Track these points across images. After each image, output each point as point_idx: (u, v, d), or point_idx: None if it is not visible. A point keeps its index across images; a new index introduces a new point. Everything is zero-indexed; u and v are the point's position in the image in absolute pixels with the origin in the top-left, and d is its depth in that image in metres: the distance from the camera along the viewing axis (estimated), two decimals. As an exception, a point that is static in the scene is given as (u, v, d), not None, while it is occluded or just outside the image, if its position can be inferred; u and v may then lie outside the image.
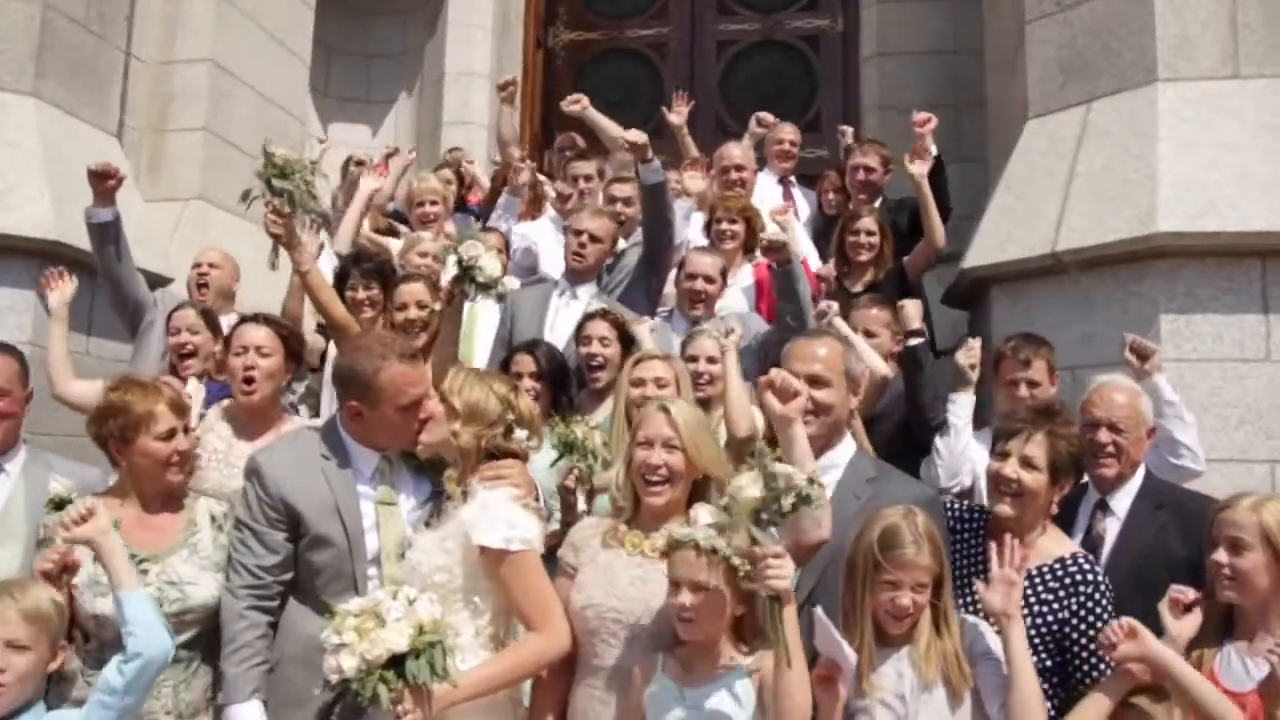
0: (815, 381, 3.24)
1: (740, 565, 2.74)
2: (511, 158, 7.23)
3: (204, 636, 3.19)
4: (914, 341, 4.32)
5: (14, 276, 5.03)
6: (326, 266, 6.03)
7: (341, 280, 4.90)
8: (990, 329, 4.98)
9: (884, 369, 4.33)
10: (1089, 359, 4.59)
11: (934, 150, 5.65)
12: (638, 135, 5.12)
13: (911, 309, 4.33)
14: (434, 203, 6.20)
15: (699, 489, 3.10)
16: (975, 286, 5.22)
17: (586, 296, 4.93)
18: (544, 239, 6.10)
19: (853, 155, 6.15)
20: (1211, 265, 4.41)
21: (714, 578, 2.74)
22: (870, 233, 5.45)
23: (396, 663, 2.78)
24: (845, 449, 3.29)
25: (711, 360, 4.37)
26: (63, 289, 4.49)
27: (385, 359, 3.17)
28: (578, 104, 6.31)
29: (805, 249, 5.87)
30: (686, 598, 2.75)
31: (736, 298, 5.38)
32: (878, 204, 5.97)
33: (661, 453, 3.04)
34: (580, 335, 4.46)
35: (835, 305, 4.44)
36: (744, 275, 5.49)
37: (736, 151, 6.15)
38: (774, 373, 3.04)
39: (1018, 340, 4.22)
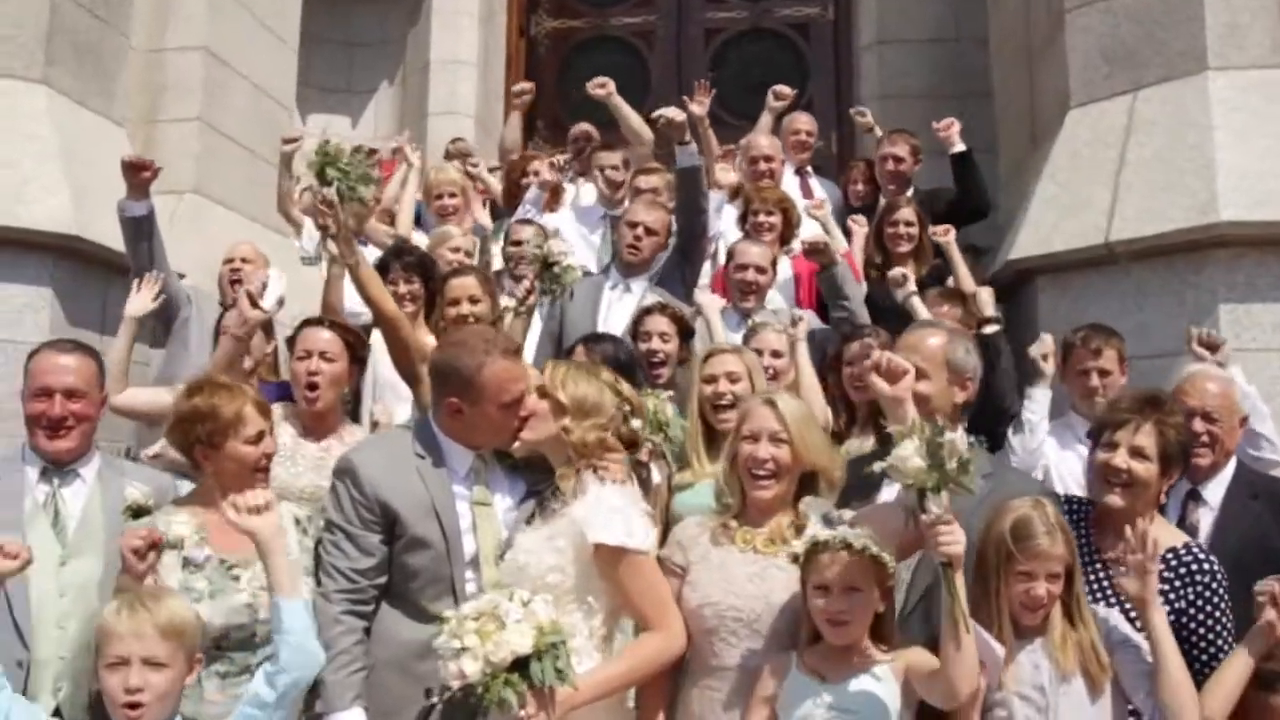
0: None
1: (889, 562, 2.77)
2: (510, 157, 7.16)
3: (296, 644, 3.14)
4: (990, 329, 4.35)
5: (32, 273, 4.90)
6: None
7: (381, 274, 4.83)
8: (1037, 321, 5.05)
9: None
10: (1143, 350, 4.66)
11: (961, 145, 5.72)
12: (676, 113, 5.14)
13: (985, 295, 4.37)
14: (452, 194, 6.15)
15: (805, 483, 3.13)
16: (1019, 278, 5.29)
17: (640, 290, 4.92)
18: (565, 229, 6.08)
19: (881, 145, 6.20)
20: (1271, 254, 4.52)
21: (864, 579, 2.77)
22: (909, 223, 5.51)
23: (519, 665, 2.77)
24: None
25: (776, 354, 4.40)
26: (144, 296, 4.36)
27: (488, 354, 3.15)
28: (604, 89, 6.26)
29: (843, 242, 5.90)
30: (839, 601, 2.77)
31: (773, 291, 5.40)
32: (909, 194, 6.02)
33: (768, 446, 3.07)
34: (639, 330, 4.46)
35: (911, 280, 4.43)
36: (782, 268, 5.51)
37: (764, 142, 6.18)
38: (878, 354, 3.06)
39: (1087, 330, 4.29)
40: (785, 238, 5.52)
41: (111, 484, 3.33)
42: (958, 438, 2.72)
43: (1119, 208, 4.87)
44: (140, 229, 4.48)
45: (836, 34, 9.73)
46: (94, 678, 3.08)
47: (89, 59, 5.46)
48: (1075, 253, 4.97)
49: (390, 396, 4.62)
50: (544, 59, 10.27)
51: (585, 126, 7.09)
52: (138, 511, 3.30)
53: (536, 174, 6.40)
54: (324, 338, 3.81)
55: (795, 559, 2.87)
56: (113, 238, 5.16)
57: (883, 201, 6.03)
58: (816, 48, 9.85)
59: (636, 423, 3.32)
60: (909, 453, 2.71)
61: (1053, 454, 4.24)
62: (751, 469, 3.08)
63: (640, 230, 4.92)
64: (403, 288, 4.77)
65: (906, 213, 5.53)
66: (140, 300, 4.36)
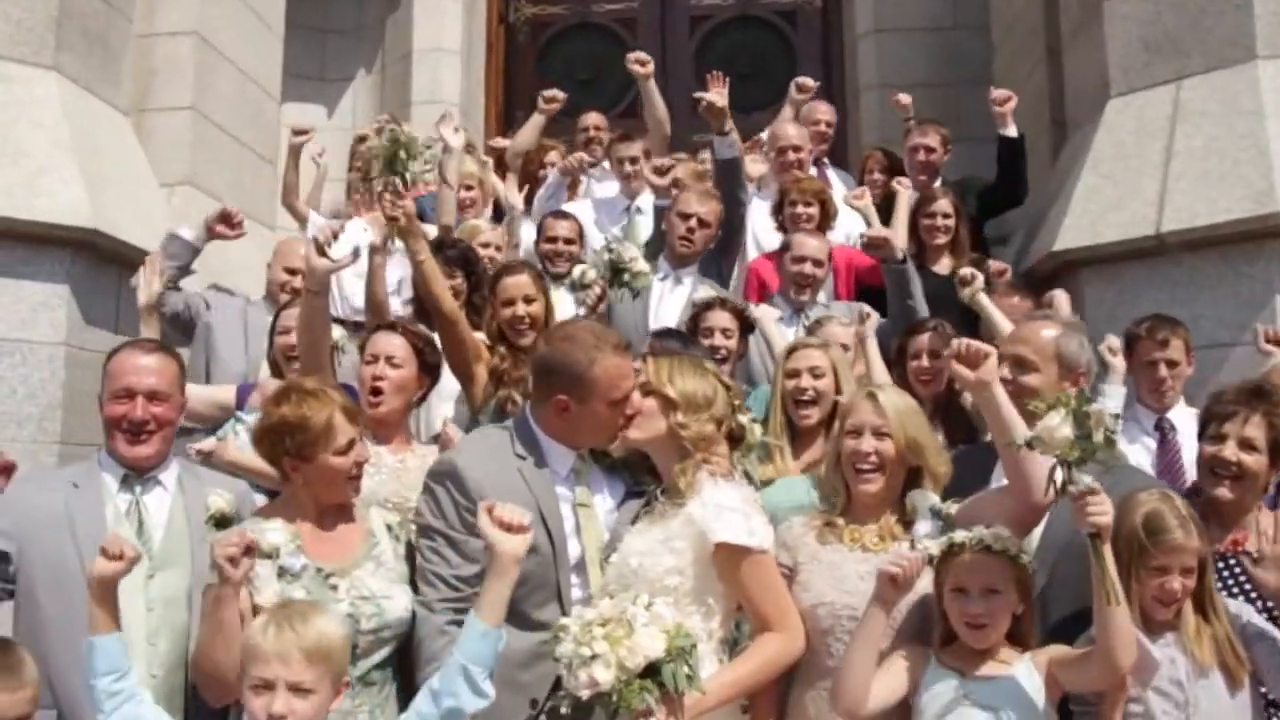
0: (1020, 364, 3.30)
1: (1028, 563, 2.79)
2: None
3: (395, 656, 3.08)
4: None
5: (47, 270, 4.75)
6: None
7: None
8: (1083, 313, 5.10)
9: None
10: (1196, 341, 4.70)
11: (1014, 130, 5.76)
12: (717, 98, 5.11)
13: (1062, 297, 4.42)
14: (469, 187, 6.06)
15: (910, 478, 3.14)
16: (1062, 269, 5.35)
17: (690, 282, 4.91)
18: (584, 219, 6.03)
19: (911, 135, 6.22)
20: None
21: (1002, 580, 2.79)
22: (946, 215, 5.55)
23: (650, 671, 2.76)
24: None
25: (843, 348, 4.39)
26: (150, 281, 4.28)
27: (599, 350, 3.11)
28: (645, 67, 6.21)
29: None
30: (978, 604, 2.79)
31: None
32: (938, 184, 6.06)
33: (871, 440, 3.09)
34: (701, 326, 4.43)
35: (980, 278, 4.45)
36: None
37: (793, 131, 6.17)
38: (957, 342, 3.08)
39: (1152, 321, 4.35)
40: (822, 229, 5.52)
41: (193, 491, 3.23)
42: (1104, 409, 2.73)
43: (1170, 198, 4.95)
44: (189, 252, 4.41)
45: (825, 22, 9.76)
46: (187, 695, 3.05)
47: (97, 45, 5.31)
48: (1125, 244, 5.04)
49: (434, 396, 4.56)
50: (523, 47, 10.21)
51: (594, 117, 7.04)
52: (221, 520, 3.22)
53: (554, 165, 6.35)
54: (393, 343, 3.74)
55: (931, 560, 2.88)
56: (128, 231, 5.04)
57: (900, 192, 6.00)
58: (804, 35, 9.89)
59: (744, 417, 3.31)
60: (1056, 423, 2.74)
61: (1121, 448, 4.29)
62: (855, 464, 3.10)
63: (694, 222, 4.90)
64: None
65: (944, 204, 5.57)
66: (147, 288, 4.26)
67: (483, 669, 2.64)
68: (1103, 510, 2.67)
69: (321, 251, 3.63)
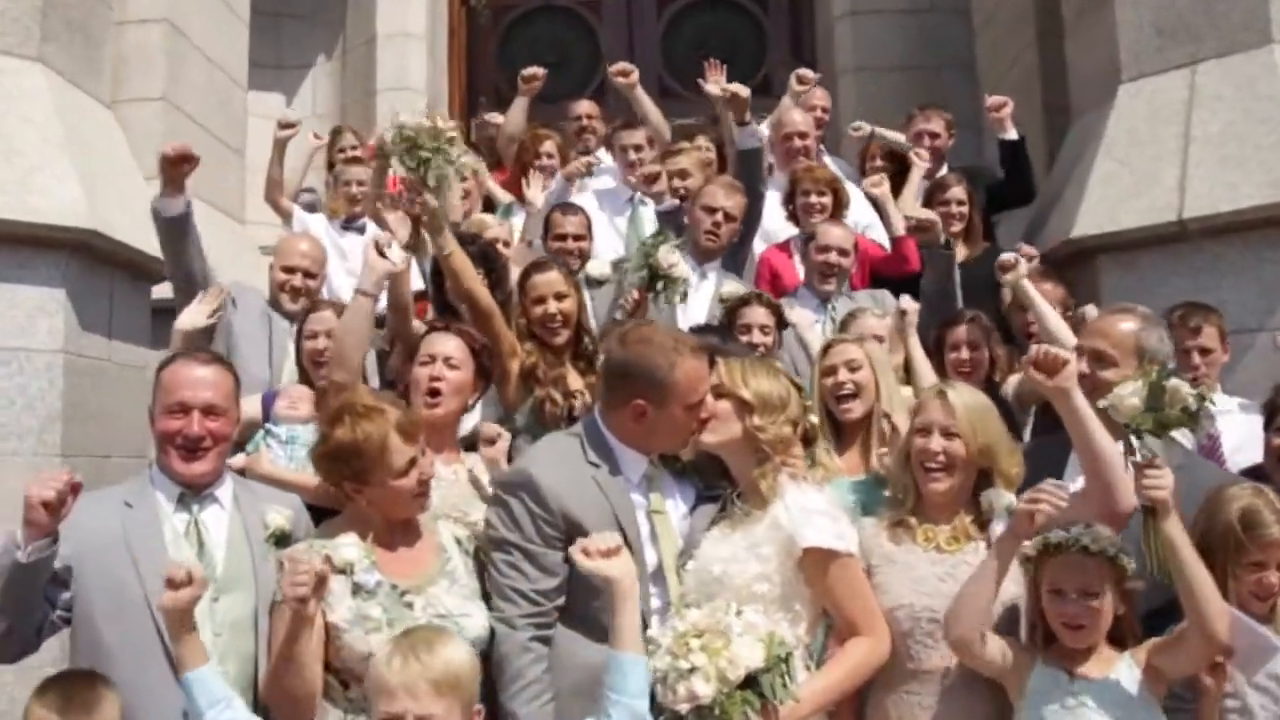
0: (1099, 358, 3.31)
1: (1127, 564, 2.81)
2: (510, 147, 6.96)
3: (471, 674, 3.03)
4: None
5: (44, 273, 4.58)
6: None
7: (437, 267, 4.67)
8: (1100, 300, 5.14)
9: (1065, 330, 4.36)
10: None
11: (1014, 133, 5.80)
12: (741, 88, 5.06)
13: (1092, 312, 4.44)
14: (464, 179, 5.95)
15: (984, 476, 3.15)
16: (1077, 257, 5.39)
17: (715, 277, 4.88)
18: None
19: (914, 122, 6.22)
20: (1354, 230, 4.72)
21: (1100, 582, 2.81)
22: (961, 201, 5.57)
23: (749, 682, 2.74)
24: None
25: (878, 339, 4.39)
26: (202, 310, 4.11)
27: (678, 353, 3.09)
28: (627, 77, 6.17)
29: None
30: (1075, 606, 2.81)
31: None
32: (944, 170, 6.09)
33: (939, 439, 3.10)
34: (738, 322, 4.41)
35: (1023, 263, 4.46)
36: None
37: (798, 118, 6.15)
38: (1035, 349, 3.09)
39: (1185, 308, 4.40)
40: (834, 219, 5.51)
41: (249, 507, 3.15)
42: (1184, 387, 2.76)
43: (1190, 184, 5.01)
44: (179, 228, 4.23)
45: (796, 5, 9.77)
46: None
47: (79, 34, 5.13)
48: (1146, 230, 5.09)
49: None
50: (485, 30, 10.09)
51: (586, 105, 6.96)
52: (281, 537, 3.15)
53: (550, 155, 6.24)
54: (450, 344, 3.66)
55: (1028, 559, 2.89)
56: (124, 231, 4.88)
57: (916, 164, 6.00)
58: (775, 18, 9.89)
59: (814, 417, 3.30)
60: (1128, 392, 2.77)
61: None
62: (923, 463, 3.12)
63: (720, 216, 4.87)
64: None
65: (958, 191, 5.59)
66: (196, 313, 4.08)
67: (643, 700, 2.58)
68: (1159, 485, 2.72)
69: (381, 253, 3.54)
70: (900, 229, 5.36)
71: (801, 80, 6.58)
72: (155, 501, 3.06)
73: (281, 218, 6.44)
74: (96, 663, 2.87)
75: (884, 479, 3.66)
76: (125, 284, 5.08)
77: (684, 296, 4.14)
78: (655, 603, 3.10)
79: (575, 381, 4.27)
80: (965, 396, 3.16)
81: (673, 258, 4.01)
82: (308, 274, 4.80)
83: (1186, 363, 4.32)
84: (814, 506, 3.06)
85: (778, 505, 3.05)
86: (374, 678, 2.47)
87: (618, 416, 3.14)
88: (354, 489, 3.01)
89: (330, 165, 7.10)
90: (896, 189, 6.25)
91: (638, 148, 6.07)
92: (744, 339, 4.36)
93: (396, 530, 3.08)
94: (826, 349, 3.99)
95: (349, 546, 2.93)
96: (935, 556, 3.09)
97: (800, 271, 5.44)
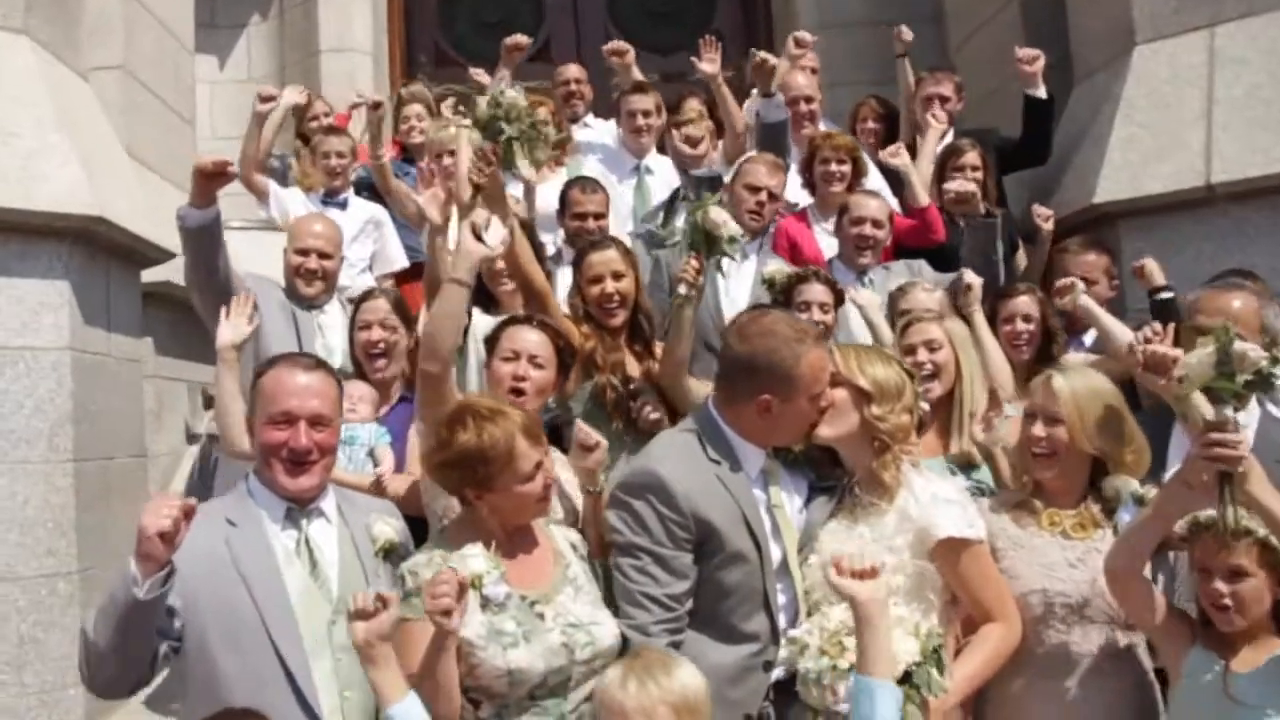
0: None
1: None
2: None
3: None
4: (1165, 295, 4.46)
5: (45, 265, 4.34)
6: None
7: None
8: (1121, 266, 5.24)
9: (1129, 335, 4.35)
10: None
11: (1043, 92, 5.82)
12: (771, 57, 4.99)
13: (1153, 264, 4.49)
14: (452, 153, 5.76)
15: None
16: (1098, 221, 5.47)
17: (756, 256, 4.82)
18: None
19: (925, 84, 6.19)
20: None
21: (1251, 563, 2.85)
22: (975, 167, 5.59)
23: (904, 677, 2.76)
24: (1251, 411, 3.39)
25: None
26: (239, 323, 3.87)
27: (802, 344, 3.06)
28: (622, 57, 6.12)
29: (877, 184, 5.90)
30: (1223, 587, 2.85)
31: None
32: (949, 135, 6.09)
33: (1042, 426, 3.16)
34: (796, 300, 4.37)
35: (1080, 285, 4.43)
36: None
37: (803, 81, 6.07)
38: (1140, 349, 3.13)
39: (1227, 278, 4.46)
40: (851, 187, 5.50)
41: (353, 520, 3.04)
42: (1254, 350, 2.79)
43: (1217, 148, 5.12)
44: (212, 237, 4.02)
45: (749, -43, 9.72)
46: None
47: (57, 2, 4.83)
48: (1170, 196, 5.19)
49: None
50: (425, -13, 9.85)
51: (574, 69, 6.80)
52: (389, 550, 3.04)
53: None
54: (533, 339, 3.56)
55: (1182, 539, 2.93)
56: (123, 216, 4.65)
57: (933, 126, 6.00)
58: (726, -29, 9.82)
59: (925, 404, 3.30)
60: (1201, 356, 2.82)
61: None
62: (1030, 449, 3.18)
63: (764, 195, 4.81)
64: (500, 263, 4.51)
65: (972, 156, 5.60)
66: (237, 327, 3.89)
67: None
68: (1232, 447, 2.72)
69: (478, 237, 3.41)
70: (924, 199, 5.36)
71: (800, 44, 6.48)
72: (259, 518, 2.92)
73: (256, 195, 6.21)
74: (214, 695, 2.75)
75: (964, 461, 3.73)
76: (120, 272, 4.85)
77: (741, 255, 4.04)
78: (781, 599, 3.11)
79: (633, 367, 4.21)
80: (1075, 381, 3.17)
81: (723, 215, 3.94)
82: (323, 255, 4.62)
83: (1235, 334, 4.42)
84: (944, 495, 3.09)
85: (904, 495, 3.07)
86: (606, 701, 2.42)
87: (740, 411, 3.11)
88: (475, 495, 2.93)
89: (301, 135, 6.85)
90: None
91: (646, 113, 5.97)
92: (804, 316, 4.32)
93: (514, 537, 3.00)
94: (906, 328, 3.98)
95: (476, 558, 2.83)
96: (1064, 542, 3.13)
97: (820, 241, 5.43)
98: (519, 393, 3.50)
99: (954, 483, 3.18)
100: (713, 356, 4.50)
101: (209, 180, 3.91)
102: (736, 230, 3.99)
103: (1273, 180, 4.99)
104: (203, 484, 4.66)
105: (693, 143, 5.76)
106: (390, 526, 3.07)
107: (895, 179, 5.86)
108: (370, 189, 6.38)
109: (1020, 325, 4.42)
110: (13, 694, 4.13)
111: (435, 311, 3.43)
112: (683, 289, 4.01)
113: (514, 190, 5.95)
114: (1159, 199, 5.25)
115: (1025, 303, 4.43)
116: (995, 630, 3.03)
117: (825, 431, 3.13)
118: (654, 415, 4.01)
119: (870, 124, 6.64)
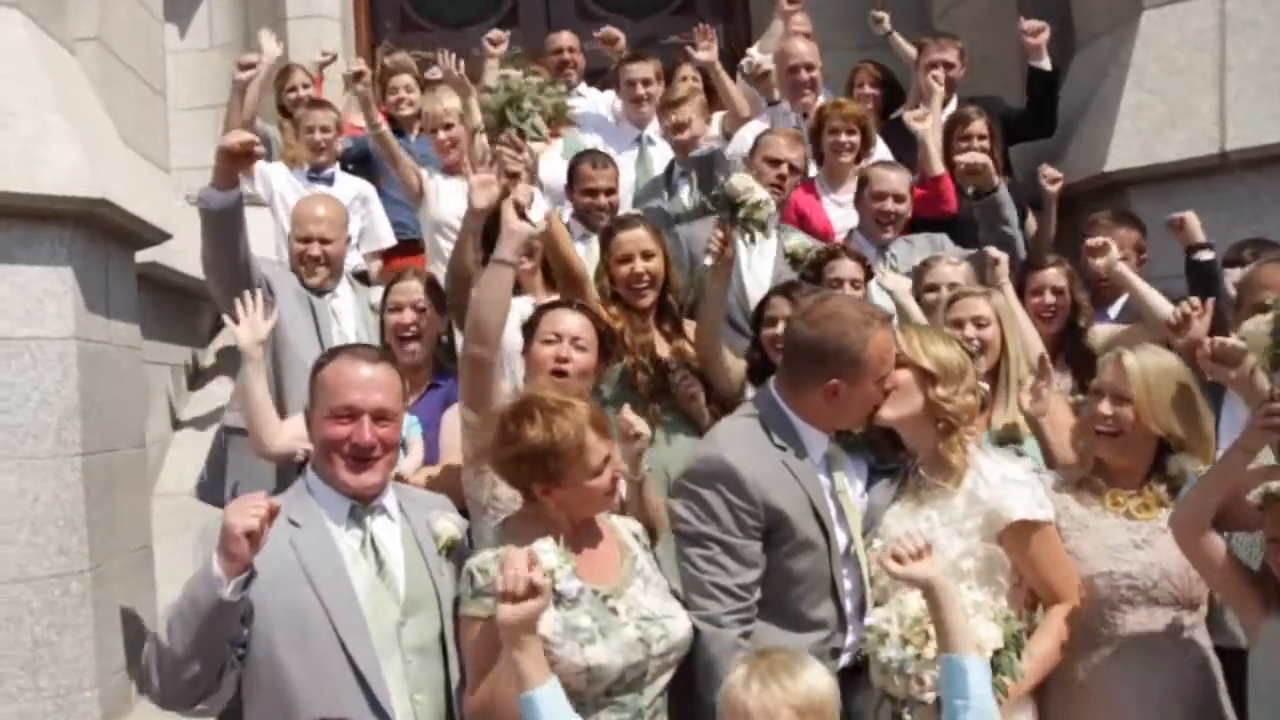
0: None
1: None
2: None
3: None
4: (1205, 255, 4.49)
5: (48, 251, 4.21)
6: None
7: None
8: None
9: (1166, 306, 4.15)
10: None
11: (1047, 63, 5.83)
12: (766, 61, 4.94)
13: (1194, 220, 4.49)
14: (449, 126, 5.64)
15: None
16: (1109, 189, 5.51)
17: (777, 232, 4.77)
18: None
19: (928, 50, 6.15)
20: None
21: None
22: (982, 136, 5.57)
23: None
24: None
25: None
26: (255, 321, 3.77)
27: (869, 326, 3.05)
28: (613, 45, 6.04)
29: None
30: None
31: (854, 218, 5.36)
32: (954, 104, 6.09)
33: (1109, 404, 3.16)
34: (828, 277, 4.35)
35: (1114, 246, 4.43)
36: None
37: (803, 47, 5.98)
38: (1209, 341, 3.14)
39: (1254, 246, 4.52)
40: (860, 158, 5.48)
41: (414, 516, 2.99)
42: None
43: (1230, 115, 5.17)
44: (233, 220, 3.92)
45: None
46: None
47: (44, -30, 4.67)
48: (1183, 163, 5.23)
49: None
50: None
51: (567, 37, 6.71)
52: (452, 547, 3.00)
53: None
54: (575, 323, 3.52)
55: (1258, 507, 2.94)
56: (123, 197, 4.52)
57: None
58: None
59: (985, 384, 3.31)
60: (1256, 325, 2.87)
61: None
62: (1094, 426, 3.19)
63: (784, 168, 4.78)
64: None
65: (979, 125, 5.58)
66: (257, 325, 3.78)
67: (986, 700, 2.57)
68: None
69: (522, 214, 3.35)
70: (939, 167, 5.35)
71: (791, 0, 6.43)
72: (321, 516, 2.86)
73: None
74: (284, 701, 2.71)
75: (1008, 435, 3.74)
76: (118, 256, 4.73)
77: (766, 225, 4.02)
78: (847, 584, 3.12)
79: (662, 347, 4.18)
80: (1146, 360, 3.17)
81: (747, 181, 3.91)
82: (324, 240, 4.51)
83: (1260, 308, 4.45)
84: (1013, 476, 3.10)
85: (971, 477, 3.08)
86: (731, 701, 2.40)
87: (807, 396, 3.09)
88: (543, 490, 2.89)
89: (281, 107, 6.70)
90: (883, 118, 6.30)
91: (646, 82, 5.91)
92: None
93: (580, 530, 2.97)
94: (952, 301, 3.98)
95: (548, 553, 2.79)
96: (1128, 523, 3.15)
97: (829, 213, 5.41)
98: (561, 374, 3.47)
99: (1021, 463, 3.18)
100: (736, 334, 4.52)
101: (234, 161, 3.80)
102: (763, 195, 3.97)
103: (1290, 147, 5.05)
104: (216, 477, 4.56)
105: (680, 128, 5.68)
106: (452, 523, 3.02)
107: (899, 146, 5.88)
108: (356, 162, 6.28)
109: (1049, 298, 4.42)
110: (29, 699, 4.04)
111: (483, 293, 3.38)
112: (710, 260, 3.99)
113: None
114: (1171, 166, 5.29)
115: (1054, 275, 4.44)
116: (1061, 611, 3.07)
117: (889, 413, 3.13)
118: (693, 390, 3.99)
119: (868, 89, 6.59)
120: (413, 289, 4.01)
